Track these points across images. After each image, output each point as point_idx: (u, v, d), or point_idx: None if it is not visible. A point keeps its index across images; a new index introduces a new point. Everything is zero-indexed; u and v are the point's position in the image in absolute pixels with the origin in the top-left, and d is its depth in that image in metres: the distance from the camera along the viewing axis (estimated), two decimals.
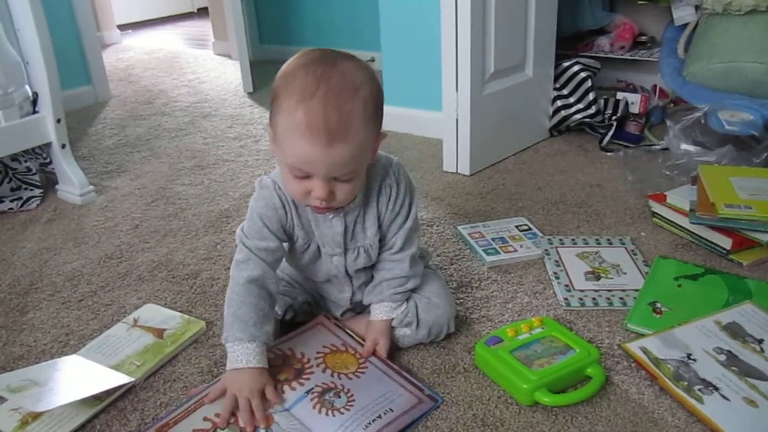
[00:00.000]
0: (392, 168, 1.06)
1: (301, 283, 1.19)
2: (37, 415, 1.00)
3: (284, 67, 0.93)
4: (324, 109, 0.86)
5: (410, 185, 1.09)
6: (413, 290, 1.12)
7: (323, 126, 0.86)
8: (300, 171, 0.92)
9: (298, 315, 1.17)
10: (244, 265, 1.02)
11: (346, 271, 1.09)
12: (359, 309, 1.18)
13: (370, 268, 1.12)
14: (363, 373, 1.04)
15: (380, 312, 1.10)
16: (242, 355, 0.98)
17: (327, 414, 0.94)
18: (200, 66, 3.52)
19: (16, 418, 1.01)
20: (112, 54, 3.90)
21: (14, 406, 1.02)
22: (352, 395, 0.98)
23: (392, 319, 1.09)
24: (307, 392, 0.98)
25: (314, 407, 0.96)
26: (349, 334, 1.12)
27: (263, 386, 0.97)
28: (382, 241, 1.08)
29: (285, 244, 1.07)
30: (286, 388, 1.00)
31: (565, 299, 1.24)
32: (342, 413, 0.94)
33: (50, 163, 1.89)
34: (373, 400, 0.97)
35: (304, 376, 1.02)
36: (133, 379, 1.07)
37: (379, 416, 0.94)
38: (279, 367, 1.04)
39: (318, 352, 1.07)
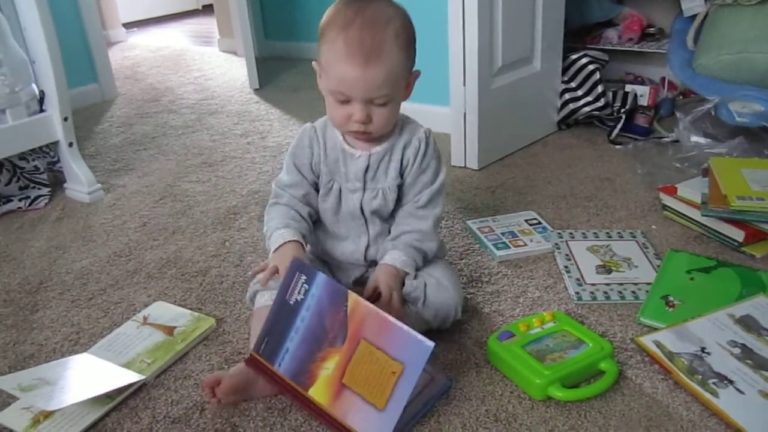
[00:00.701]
0: (424, 129, 1.15)
1: (320, 255, 1.23)
2: (48, 414, 1.00)
3: (326, 11, 1.05)
4: (360, 35, 0.98)
5: (439, 152, 1.16)
6: (425, 262, 1.15)
7: (360, 49, 0.98)
8: (342, 95, 1.02)
9: None
10: (272, 199, 1.17)
11: (362, 211, 1.15)
12: (377, 252, 1.18)
13: (387, 221, 1.17)
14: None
15: (391, 258, 1.11)
16: (279, 237, 1.09)
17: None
18: (206, 63, 3.52)
19: (27, 416, 1.01)
20: (118, 52, 3.90)
21: (26, 404, 1.02)
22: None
23: (402, 271, 1.10)
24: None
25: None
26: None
27: (300, 257, 1.06)
28: (406, 196, 1.15)
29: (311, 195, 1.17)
30: None
31: (577, 293, 1.24)
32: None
33: (58, 161, 1.89)
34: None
35: None
36: (144, 377, 1.07)
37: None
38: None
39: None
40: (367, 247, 1.18)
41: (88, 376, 1.08)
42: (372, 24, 0.99)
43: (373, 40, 0.98)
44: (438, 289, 1.10)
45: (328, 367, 0.96)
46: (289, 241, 1.09)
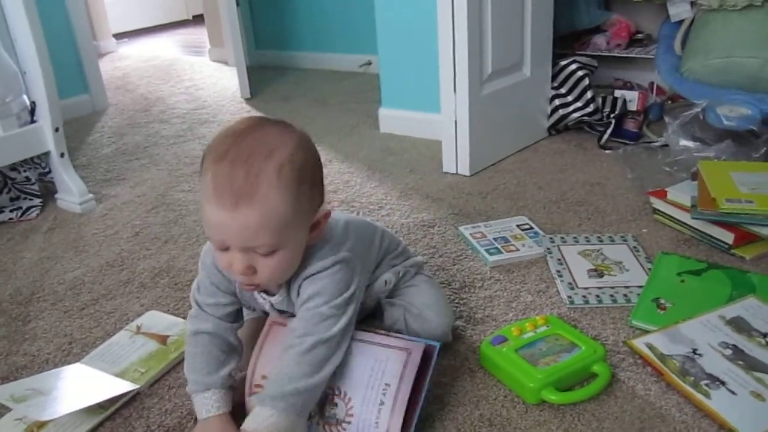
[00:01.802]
0: (323, 263, 0.92)
1: None
2: (42, 425, 1.00)
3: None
4: (230, 171, 0.81)
5: (342, 279, 0.93)
6: (399, 302, 1.07)
7: (228, 187, 0.81)
8: (218, 242, 0.86)
9: None
10: (194, 320, 0.99)
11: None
12: None
13: None
14: None
15: (258, 418, 0.86)
16: (201, 405, 0.93)
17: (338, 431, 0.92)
18: (197, 73, 3.52)
19: (20, 427, 1.00)
20: (109, 63, 3.90)
21: (19, 415, 1.02)
22: (344, 394, 0.93)
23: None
24: (310, 419, 0.93)
25: (324, 430, 0.93)
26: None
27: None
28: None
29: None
30: None
31: (569, 297, 1.24)
32: (348, 422, 0.91)
33: (49, 172, 1.89)
34: (367, 385, 0.91)
35: None
36: (137, 386, 1.07)
37: (382, 402, 0.90)
38: None
39: None
40: None
41: (82, 386, 1.07)
42: (248, 157, 0.81)
43: (245, 178, 0.80)
44: (421, 321, 1.07)
45: None
46: (215, 416, 0.92)
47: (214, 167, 0.82)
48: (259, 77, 3.22)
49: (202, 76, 3.43)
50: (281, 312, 1.01)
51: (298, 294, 0.93)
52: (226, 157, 0.82)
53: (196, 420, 0.99)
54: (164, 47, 4.61)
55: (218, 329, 0.98)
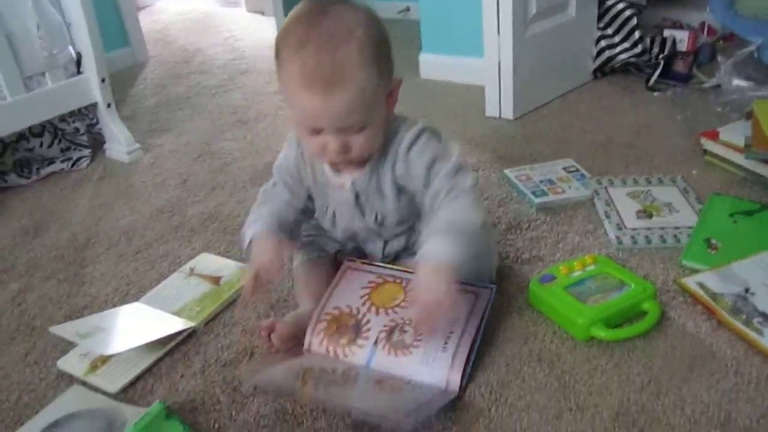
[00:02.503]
0: (409, 134, 0.97)
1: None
2: (105, 359, 1.04)
3: (284, 22, 0.91)
4: (317, 57, 0.84)
5: (438, 141, 0.99)
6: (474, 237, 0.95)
7: (318, 74, 0.84)
8: (310, 127, 0.91)
9: (348, 247, 1.15)
10: (266, 188, 1.10)
11: (367, 231, 1.08)
12: (397, 247, 1.12)
13: (401, 226, 1.08)
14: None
15: (435, 246, 0.89)
16: (252, 232, 1.02)
17: (404, 354, 0.95)
18: (234, 24, 3.51)
19: (86, 362, 1.05)
20: (147, 16, 3.90)
21: (83, 351, 1.07)
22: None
23: (448, 263, 0.87)
24: (375, 343, 0.97)
25: (389, 353, 0.96)
26: (379, 265, 1.09)
27: (274, 254, 0.99)
28: (424, 197, 0.99)
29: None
30: (354, 349, 0.98)
31: (617, 238, 1.23)
32: (416, 347, 0.95)
33: (97, 123, 1.92)
34: None
35: (364, 330, 0.99)
36: (194, 324, 1.10)
37: (450, 332, 0.95)
38: (336, 331, 1.00)
39: (362, 297, 1.04)
40: (385, 246, 1.11)
41: (141, 323, 1.12)
42: (330, 41, 0.84)
43: (333, 63, 0.84)
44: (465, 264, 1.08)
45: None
46: (266, 235, 1.00)
47: (299, 55, 0.85)
48: None
49: (239, 27, 3.41)
50: (357, 200, 1.03)
51: (393, 172, 0.99)
52: (308, 43, 0.84)
53: (251, 354, 1.03)
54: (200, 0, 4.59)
55: (285, 197, 1.07)
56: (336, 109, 0.87)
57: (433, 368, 0.93)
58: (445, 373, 0.92)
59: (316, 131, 0.91)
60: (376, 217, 1.05)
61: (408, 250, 1.10)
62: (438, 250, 0.88)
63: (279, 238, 1.01)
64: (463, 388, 0.92)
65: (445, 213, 0.93)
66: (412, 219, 1.06)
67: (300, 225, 1.10)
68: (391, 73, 0.94)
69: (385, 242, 1.11)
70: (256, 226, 1.02)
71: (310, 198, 1.10)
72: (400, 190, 1.02)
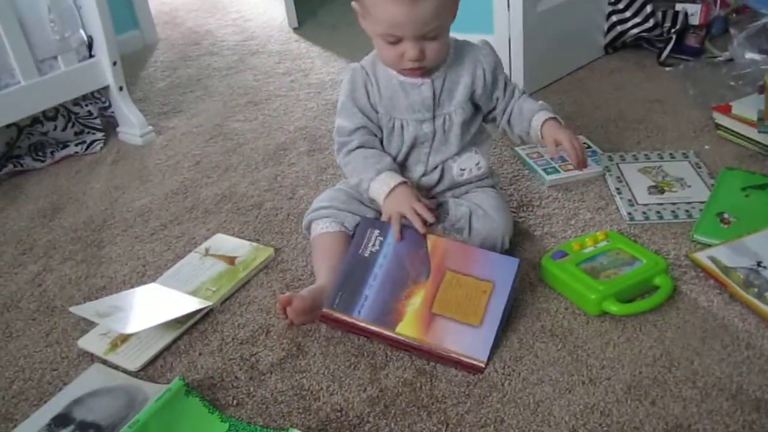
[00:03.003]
0: (484, 45, 1.17)
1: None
2: (125, 338, 1.07)
3: None
4: None
5: (497, 57, 1.19)
6: (466, 202, 1.16)
7: None
8: (391, 36, 1.01)
9: None
10: (342, 148, 1.15)
11: (433, 138, 1.16)
12: (431, 181, 1.19)
13: (449, 146, 1.17)
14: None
15: (544, 115, 1.17)
16: (382, 184, 1.08)
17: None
18: (243, 4, 3.50)
19: (106, 341, 1.07)
20: None
21: (104, 330, 1.09)
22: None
23: (556, 119, 1.18)
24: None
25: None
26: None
27: (413, 195, 1.07)
28: (498, 105, 1.20)
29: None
30: None
31: (629, 214, 1.24)
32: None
33: (109, 106, 1.93)
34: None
35: None
36: (210, 303, 1.12)
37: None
38: None
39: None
40: (422, 176, 1.18)
41: (159, 303, 1.13)
42: None
43: None
44: (484, 220, 1.12)
45: (415, 303, 1.01)
46: (400, 184, 1.08)
47: None
48: (306, 6, 3.18)
49: (248, 7, 3.40)
50: (433, 98, 1.12)
51: (473, 75, 1.14)
52: None
53: (268, 332, 1.05)
54: None
55: (367, 143, 1.14)
56: (419, 17, 0.98)
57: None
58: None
59: (396, 41, 1.02)
60: (444, 120, 1.15)
61: (438, 185, 1.19)
62: (551, 113, 1.18)
63: (401, 182, 1.09)
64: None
65: (529, 102, 1.21)
66: (463, 141, 1.17)
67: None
68: None
69: (425, 171, 1.18)
70: (388, 180, 1.09)
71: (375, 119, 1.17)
72: (471, 95, 1.15)
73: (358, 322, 1.00)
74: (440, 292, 1.01)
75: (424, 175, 1.18)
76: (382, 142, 1.17)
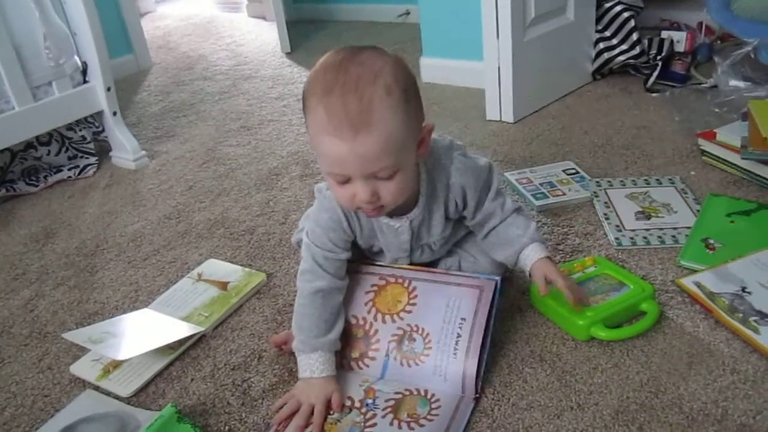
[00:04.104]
0: (455, 166, 1.01)
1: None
2: (117, 364, 1.07)
3: (309, 74, 0.90)
4: (343, 101, 0.82)
5: (476, 168, 1.03)
6: (454, 248, 1.12)
7: (345, 118, 0.82)
8: (338, 175, 0.88)
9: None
10: (309, 275, 1.01)
11: (410, 262, 1.10)
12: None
13: (433, 255, 1.12)
14: (416, 296, 1.03)
15: (534, 254, 1.02)
16: (307, 365, 0.97)
17: (417, 364, 0.97)
18: (236, 29, 3.54)
19: (98, 367, 1.08)
20: (149, 22, 3.94)
21: (96, 356, 1.10)
22: (422, 329, 0.99)
23: (549, 257, 1.03)
24: (387, 355, 0.99)
25: (402, 365, 0.98)
26: (379, 264, 1.09)
27: (329, 394, 0.95)
28: (468, 220, 1.07)
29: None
30: (367, 362, 1.00)
31: (617, 239, 1.25)
32: (427, 355, 0.97)
33: (103, 131, 1.95)
34: (443, 320, 0.99)
35: (373, 342, 1.01)
36: (203, 329, 1.13)
37: (458, 335, 0.97)
38: (346, 345, 1.02)
39: (366, 303, 1.05)
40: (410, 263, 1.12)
41: (151, 329, 1.14)
42: (356, 85, 0.83)
43: (359, 105, 0.82)
44: (474, 266, 1.11)
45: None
46: (326, 377, 0.97)
47: (326, 101, 0.83)
48: (298, 31, 3.23)
49: (241, 33, 3.45)
50: (412, 238, 1.05)
51: (446, 206, 1.03)
52: (334, 89, 0.83)
53: (260, 357, 1.05)
54: (201, 5, 4.62)
55: (333, 286, 1.01)
56: (363, 154, 0.84)
57: (447, 376, 0.95)
58: (459, 380, 0.95)
59: (345, 180, 0.89)
60: (422, 250, 1.09)
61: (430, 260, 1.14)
62: (540, 251, 1.03)
63: (336, 383, 0.97)
64: (479, 391, 0.95)
65: (516, 225, 1.05)
66: (444, 250, 1.12)
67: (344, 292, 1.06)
68: (421, 119, 0.93)
69: (411, 262, 1.11)
70: (311, 350, 0.98)
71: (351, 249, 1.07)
72: (446, 220, 1.05)
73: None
74: None
75: (411, 262, 1.11)
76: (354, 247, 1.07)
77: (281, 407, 0.95)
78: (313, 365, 0.97)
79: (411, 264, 1.09)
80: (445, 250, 1.13)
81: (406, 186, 0.93)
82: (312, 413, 0.93)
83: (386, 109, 0.84)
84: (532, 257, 1.03)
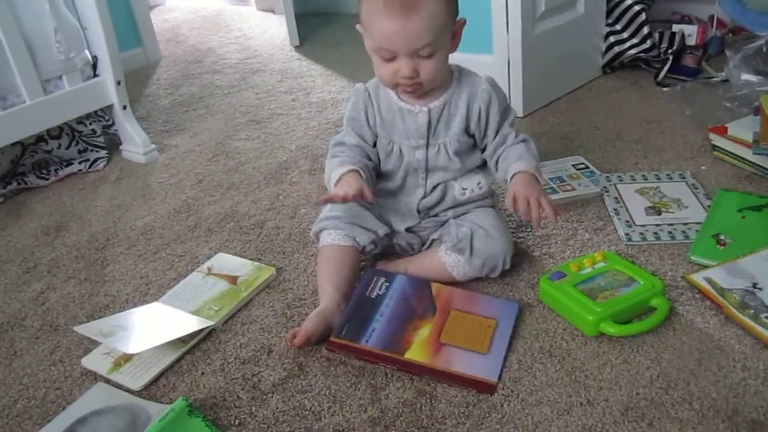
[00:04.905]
0: (486, 78, 1.15)
1: (380, 203, 1.22)
2: (128, 358, 1.08)
3: None
4: None
5: (503, 93, 1.18)
6: (467, 222, 1.16)
7: (397, 0, 0.98)
8: (386, 51, 1.03)
9: (378, 247, 1.19)
10: (337, 139, 1.20)
11: (426, 165, 1.17)
12: (421, 231, 1.22)
13: (446, 171, 1.18)
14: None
15: (519, 166, 1.11)
16: (338, 173, 1.12)
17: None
18: (245, 22, 3.54)
19: (109, 360, 1.08)
20: (158, 15, 3.94)
21: (107, 350, 1.10)
22: None
23: (533, 174, 1.10)
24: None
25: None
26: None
27: (360, 185, 1.08)
28: (492, 141, 1.17)
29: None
30: None
31: (627, 234, 1.25)
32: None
33: (113, 124, 1.95)
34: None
35: None
36: (213, 323, 1.13)
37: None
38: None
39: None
40: (422, 199, 1.20)
41: (162, 322, 1.15)
42: None
43: None
44: (486, 240, 1.13)
45: (422, 334, 1.03)
46: (351, 170, 1.11)
47: None
48: (307, 24, 3.22)
49: (250, 26, 3.44)
50: (428, 126, 1.14)
51: (469, 108, 1.14)
52: None
53: (270, 351, 1.06)
54: None
55: (354, 152, 1.17)
56: (411, 31, 0.99)
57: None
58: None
59: (391, 58, 1.04)
60: (438, 150, 1.15)
61: (440, 205, 1.21)
62: (526, 166, 1.11)
63: (366, 178, 1.13)
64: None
65: (518, 148, 1.14)
66: (458, 164, 1.17)
67: (373, 172, 1.19)
68: (457, 12, 1.07)
69: (425, 193, 1.19)
70: (343, 169, 1.12)
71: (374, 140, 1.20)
72: (466, 127, 1.15)
73: (365, 348, 1.02)
74: (447, 325, 1.05)
75: (424, 197, 1.20)
76: (378, 165, 1.20)
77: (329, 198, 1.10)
78: (342, 170, 1.12)
79: (427, 168, 1.17)
80: (465, 166, 1.19)
81: (441, 68, 1.07)
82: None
83: None
84: (514, 169, 1.11)
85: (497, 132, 1.16)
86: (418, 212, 1.21)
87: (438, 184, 1.19)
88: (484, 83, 1.14)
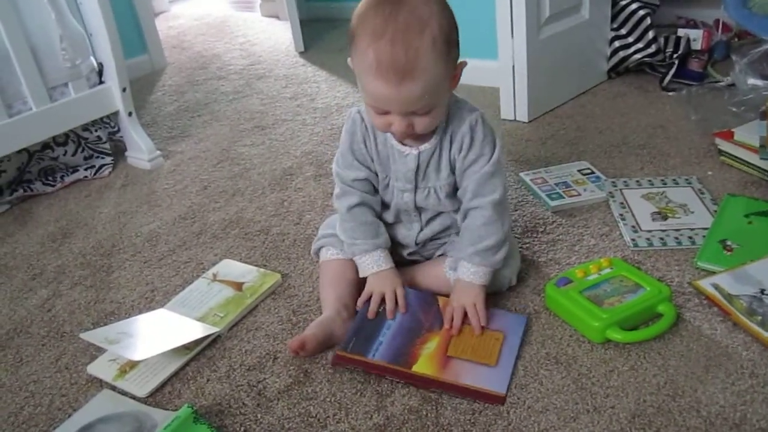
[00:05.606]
0: (470, 118, 1.06)
1: None
2: (133, 364, 1.08)
3: (358, 7, 0.97)
4: (392, 50, 0.90)
5: (489, 134, 1.07)
6: (496, 253, 1.08)
7: (392, 66, 0.90)
8: (380, 109, 0.98)
9: None
10: (342, 198, 1.14)
11: (416, 206, 1.14)
12: (423, 252, 1.21)
13: (441, 209, 1.15)
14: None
15: (462, 273, 1.08)
16: (372, 262, 1.11)
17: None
18: (249, 29, 3.55)
19: (114, 367, 1.09)
20: (163, 22, 3.96)
21: (112, 356, 1.10)
22: None
23: (477, 284, 1.07)
24: None
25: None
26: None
27: (396, 285, 1.10)
28: (458, 190, 1.11)
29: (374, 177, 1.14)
30: None
31: (633, 240, 1.25)
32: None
33: (118, 131, 1.96)
34: None
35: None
36: (218, 329, 1.13)
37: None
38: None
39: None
40: (419, 233, 1.17)
41: (167, 329, 1.15)
42: (405, 34, 0.90)
43: (407, 55, 0.90)
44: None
45: (429, 347, 1.03)
46: (389, 268, 1.12)
47: (375, 46, 0.91)
48: (312, 30, 3.23)
49: (255, 32, 3.45)
50: (417, 170, 1.09)
51: (451, 143, 1.07)
52: (384, 35, 0.90)
53: (275, 358, 1.05)
54: (215, 4, 4.64)
55: (365, 200, 1.13)
56: (406, 98, 0.93)
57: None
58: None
59: (384, 112, 0.98)
60: (427, 193, 1.11)
61: (436, 239, 1.19)
62: (468, 276, 1.07)
63: (390, 268, 1.13)
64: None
65: (469, 234, 1.08)
66: (450, 207, 1.14)
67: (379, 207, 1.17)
68: (458, 58, 0.99)
69: (421, 228, 1.17)
70: (378, 258, 1.12)
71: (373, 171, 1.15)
72: (452, 169, 1.10)
73: (372, 362, 1.01)
74: (454, 339, 1.04)
75: (420, 231, 1.17)
76: (378, 191, 1.16)
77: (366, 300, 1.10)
78: (378, 261, 1.11)
79: (417, 207, 1.14)
80: (452, 208, 1.14)
81: (438, 117, 1.02)
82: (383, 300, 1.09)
83: (430, 60, 0.92)
84: (461, 272, 1.09)
85: (471, 169, 1.08)
86: (416, 244, 1.19)
87: (435, 217, 1.17)
88: (465, 125, 1.06)
